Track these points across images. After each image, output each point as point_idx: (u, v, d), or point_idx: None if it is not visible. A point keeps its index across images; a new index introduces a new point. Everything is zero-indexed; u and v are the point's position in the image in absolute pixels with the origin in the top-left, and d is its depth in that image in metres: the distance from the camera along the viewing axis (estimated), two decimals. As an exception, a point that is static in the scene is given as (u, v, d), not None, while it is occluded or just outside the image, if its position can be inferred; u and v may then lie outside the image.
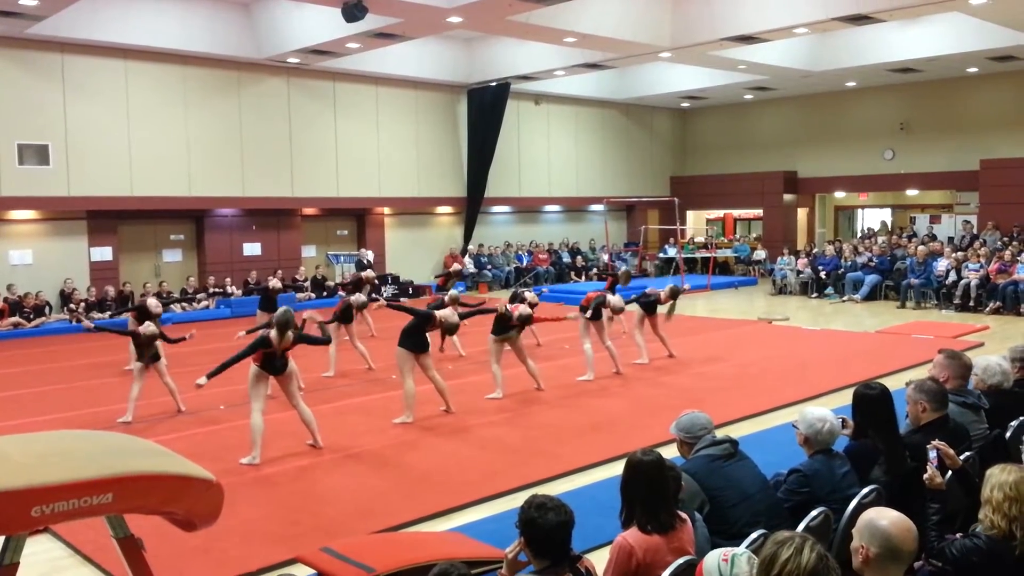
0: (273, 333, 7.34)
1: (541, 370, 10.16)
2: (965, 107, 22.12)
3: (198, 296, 17.40)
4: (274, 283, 13.74)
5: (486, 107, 21.82)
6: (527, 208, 24.93)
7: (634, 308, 11.85)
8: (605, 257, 23.81)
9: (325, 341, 8.25)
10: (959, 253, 18.08)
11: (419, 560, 4.57)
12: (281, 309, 7.58)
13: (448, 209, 22.93)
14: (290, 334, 7.43)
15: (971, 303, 16.71)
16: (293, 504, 6.28)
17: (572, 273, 23.43)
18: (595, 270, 21.18)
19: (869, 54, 19.58)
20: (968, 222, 21.12)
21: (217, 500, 3.67)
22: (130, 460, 3.38)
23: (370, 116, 20.81)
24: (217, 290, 17.59)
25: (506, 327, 9.67)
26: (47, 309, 16.27)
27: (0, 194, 15.80)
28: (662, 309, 11.91)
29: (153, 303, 10.38)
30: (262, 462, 7.23)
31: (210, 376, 7.29)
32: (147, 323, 9.19)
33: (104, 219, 17.38)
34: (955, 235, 21.19)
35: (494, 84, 21.38)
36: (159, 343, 9.07)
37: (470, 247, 22.84)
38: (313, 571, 4.76)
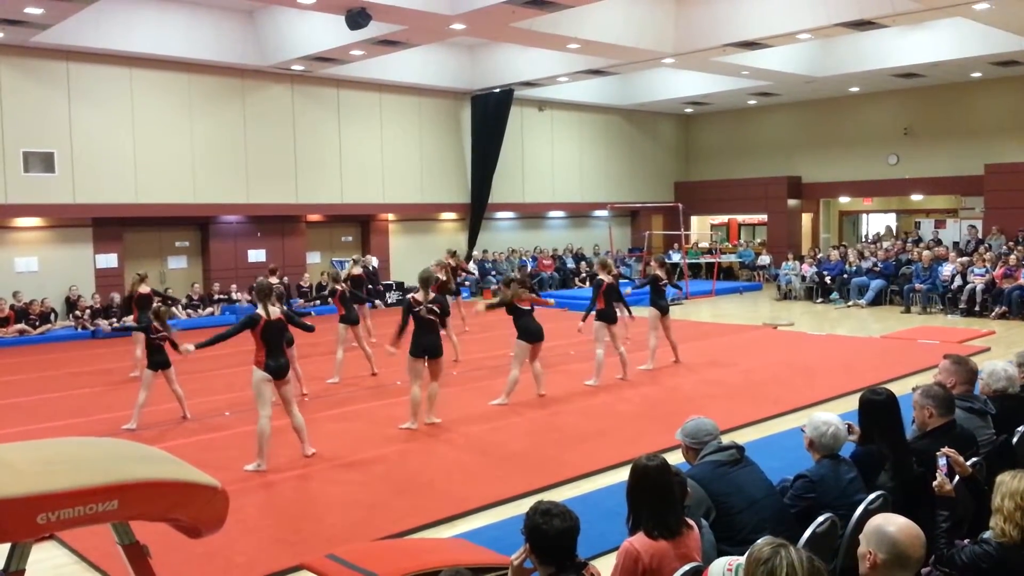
0: (259, 308, 7.34)
1: (545, 375, 10.13)
2: (969, 112, 22.10)
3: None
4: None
5: (489, 113, 21.85)
6: (531, 214, 24.94)
7: (651, 310, 11.76)
8: (602, 255, 23.79)
9: (309, 328, 8.09)
10: (964, 258, 18.05)
11: (424, 567, 4.56)
12: (259, 279, 7.57)
13: (452, 215, 22.95)
14: (275, 307, 7.41)
15: (977, 308, 16.67)
16: (298, 511, 6.28)
17: (576, 279, 23.44)
18: (584, 273, 21.26)
19: (872, 59, 19.57)
20: (973, 227, 21.08)
21: (222, 507, 3.66)
22: (136, 467, 3.38)
23: (374, 123, 20.85)
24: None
25: (534, 332, 9.58)
26: (53, 316, 16.31)
27: (6, 202, 15.85)
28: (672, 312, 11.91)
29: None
30: (267, 469, 7.23)
31: (199, 347, 7.54)
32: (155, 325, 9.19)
33: (109, 226, 17.42)
34: (960, 240, 21.15)
35: (497, 90, 21.41)
36: (167, 347, 9.11)
37: (474, 253, 22.85)
38: (318, 578, 4.75)
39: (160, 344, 9.06)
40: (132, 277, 12.85)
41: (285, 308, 7.67)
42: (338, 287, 11.56)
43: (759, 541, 2.69)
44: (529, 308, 9.68)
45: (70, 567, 5.41)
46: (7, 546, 3.23)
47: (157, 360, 9.03)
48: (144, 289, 12.14)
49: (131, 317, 11.73)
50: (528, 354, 9.63)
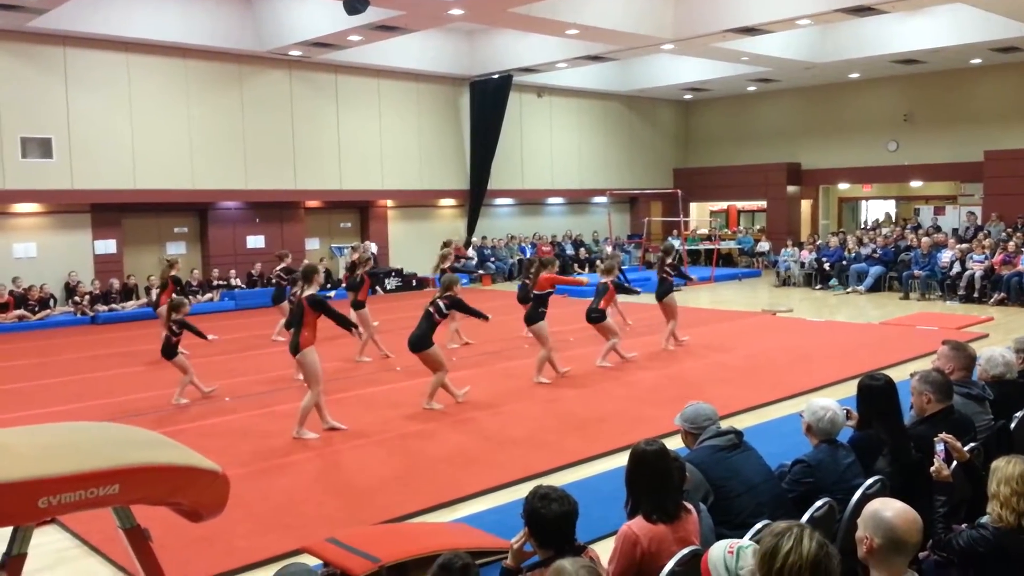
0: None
1: (545, 365, 10.13)
2: (969, 98, 22.05)
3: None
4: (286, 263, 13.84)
5: (488, 99, 21.78)
6: (530, 200, 24.91)
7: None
8: (608, 249, 23.77)
9: (345, 321, 8.08)
10: (963, 244, 18.05)
11: (424, 550, 4.59)
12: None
13: (451, 202, 22.92)
14: (311, 289, 7.79)
15: (975, 294, 16.68)
16: (298, 495, 6.30)
17: (576, 265, 23.43)
18: (598, 261, 21.18)
19: (872, 45, 19.51)
20: (972, 213, 21.08)
21: (223, 491, 3.68)
22: (136, 451, 3.40)
23: (372, 109, 20.79)
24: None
25: (545, 312, 9.72)
26: (52, 302, 16.31)
27: (4, 187, 15.81)
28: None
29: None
30: (267, 453, 7.26)
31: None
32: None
33: (108, 212, 17.40)
34: (959, 226, 21.15)
35: (496, 76, 21.34)
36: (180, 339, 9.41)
37: (473, 239, 22.83)
38: (319, 561, 4.77)
39: (169, 335, 9.28)
40: (163, 265, 13.14)
41: (313, 295, 7.85)
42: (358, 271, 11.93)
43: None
44: (542, 293, 9.81)
45: (72, 551, 5.43)
46: (9, 530, 3.25)
47: (163, 349, 9.34)
48: (173, 273, 12.57)
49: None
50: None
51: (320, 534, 5.13)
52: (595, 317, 10.71)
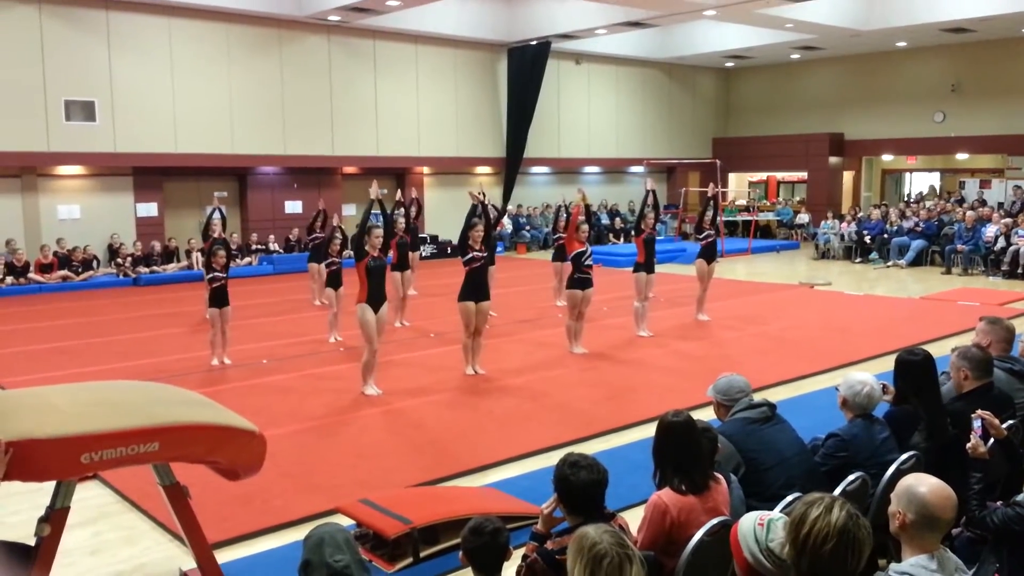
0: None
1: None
2: (1020, 68, 21.42)
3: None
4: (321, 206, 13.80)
5: (526, 66, 21.60)
6: (566, 169, 24.75)
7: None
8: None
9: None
10: (1009, 219, 17.66)
11: (455, 514, 4.65)
12: None
13: (487, 169, 22.85)
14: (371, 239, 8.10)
15: (1020, 270, 16.34)
16: (333, 457, 6.39)
17: (611, 235, 23.31)
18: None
19: (920, 13, 19.01)
20: (1019, 187, 20.55)
21: (260, 451, 3.76)
22: (176, 410, 3.47)
23: (410, 75, 20.73)
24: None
25: (584, 279, 9.55)
26: (95, 263, 16.61)
27: (48, 150, 16.05)
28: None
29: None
30: (303, 416, 7.38)
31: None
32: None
33: (149, 175, 17.61)
34: (1005, 200, 20.67)
35: (534, 43, 21.14)
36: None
37: (509, 207, 22.77)
38: (352, 521, 4.86)
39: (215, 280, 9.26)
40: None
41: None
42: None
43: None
44: (575, 252, 9.61)
45: (112, 506, 5.57)
46: (52, 484, 3.35)
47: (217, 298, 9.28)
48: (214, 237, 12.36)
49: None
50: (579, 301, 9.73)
51: (353, 495, 5.21)
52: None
